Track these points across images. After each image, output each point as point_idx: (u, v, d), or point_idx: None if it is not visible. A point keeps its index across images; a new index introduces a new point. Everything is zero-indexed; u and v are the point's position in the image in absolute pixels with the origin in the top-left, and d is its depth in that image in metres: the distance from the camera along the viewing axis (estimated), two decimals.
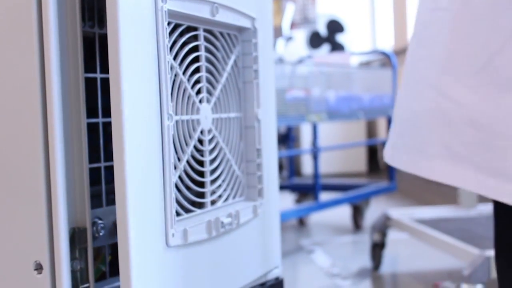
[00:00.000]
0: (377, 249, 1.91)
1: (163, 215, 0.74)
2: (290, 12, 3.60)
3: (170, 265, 0.75)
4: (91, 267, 0.74)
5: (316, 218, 2.82)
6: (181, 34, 0.82)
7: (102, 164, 0.81)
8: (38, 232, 0.71)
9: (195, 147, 0.84)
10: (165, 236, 0.74)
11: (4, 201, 0.75)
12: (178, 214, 0.78)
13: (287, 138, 2.98)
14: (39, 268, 0.72)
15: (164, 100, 0.74)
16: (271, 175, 0.99)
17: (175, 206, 0.76)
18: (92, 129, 0.79)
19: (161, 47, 0.74)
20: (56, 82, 0.70)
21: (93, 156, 0.80)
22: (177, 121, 0.79)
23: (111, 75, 0.68)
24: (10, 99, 0.74)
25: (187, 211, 0.82)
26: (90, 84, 0.80)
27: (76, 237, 0.73)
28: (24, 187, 0.73)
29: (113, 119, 0.68)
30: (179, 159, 0.80)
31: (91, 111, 0.81)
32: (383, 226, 1.92)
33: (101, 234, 0.77)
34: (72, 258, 0.72)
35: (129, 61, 0.69)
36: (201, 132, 0.86)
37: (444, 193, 3.06)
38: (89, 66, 0.80)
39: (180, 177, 0.80)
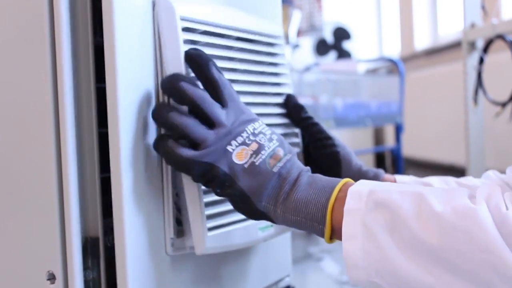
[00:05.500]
0: None
1: (162, 223, 0.74)
2: (296, 19, 3.61)
3: (170, 274, 0.75)
4: (104, 277, 0.74)
5: None
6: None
7: None
8: (51, 242, 0.72)
9: None
10: (164, 245, 0.74)
11: (17, 211, 0.75)
12: (179, 223, 0.77)
13: None
14: (52, 278, 0.72)
15: None
16: None
17: (175, 213, 0.76)
18: (102, 138, 0.80)
19: (158, 55, 0.74)
20: (68, 92, 0.71)
21: (104, 165, 0.80)
22: None
23: (108, 87, 0.69)
24: (23, 109, 0.74)
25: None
26: (100, 94, 0.81)
27: (89, 247, 0.73)
28: (37, 197, 0.73)
29: (110, 127, 0.69)
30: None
31: (103, 121, 0.81)
32: None
33: (113, 243, 0.77)
34: (85, 267, 0.72)
35: (125, 72, 0.69)
36: None
37: None
38: (99, 75, 0.81)
39: None
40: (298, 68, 2.82)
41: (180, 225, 0.78)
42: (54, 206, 0.71)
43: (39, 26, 0.71)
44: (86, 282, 0.73)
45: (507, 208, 0.58)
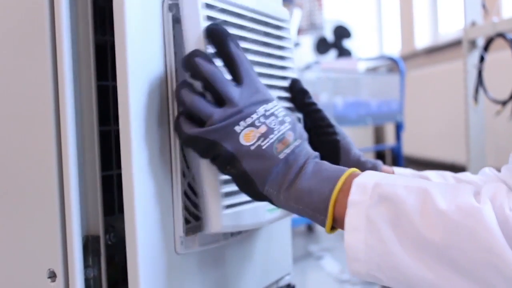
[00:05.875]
0: None
1: (172, 222, 0.74)
2: (296, 18, 3.61)
3: (179, 273, 0.75)
4: (104, 275, 0.74)
5: None
6: None
7: (115, 172, 0.81)
8: (52, 240, 0.72)
9: None
10: (174, 243, 0.74)
11: (18, 209, 0.75)
12: (188, 221, 0.77)
13: None
14: (52, 276, 0.72)
15: (171, 107, 0.74)
16: None
17: (184, 213, 0.76)
18: (103, 136, 0.80)
19: (168, 54, 0.74)
20: (69, 90, 0.71)
21: (104, 163, 0.80)
22: None
23: (119, 83, 0.68)
24: (23, 107, 0.74)
25: (197, 218, 0.82)
26: (101, 91, 0.81)
27: (89, 245, 0.73)
28: (37, 196, 0.73)
29: (121, 126, 0.68)
30: (188, 166, 0.80)
31: (103, 119, 0.81)
32: None
33: (114, 241, 0.77)
34: (86, 266, 0.72)
35: (136, 67, 0.69)
36: None
37: None
38: (100, 73, 0.81)
39: (189, 184, 0.80)
40: (299, 67, 2.82)
41: (188, 223, 0.78)
42: (55, 204, 0.71)
43: (40, 25, 0.71)
44: (87, 280, 0.73)
45: (511, 209, 0.58)
